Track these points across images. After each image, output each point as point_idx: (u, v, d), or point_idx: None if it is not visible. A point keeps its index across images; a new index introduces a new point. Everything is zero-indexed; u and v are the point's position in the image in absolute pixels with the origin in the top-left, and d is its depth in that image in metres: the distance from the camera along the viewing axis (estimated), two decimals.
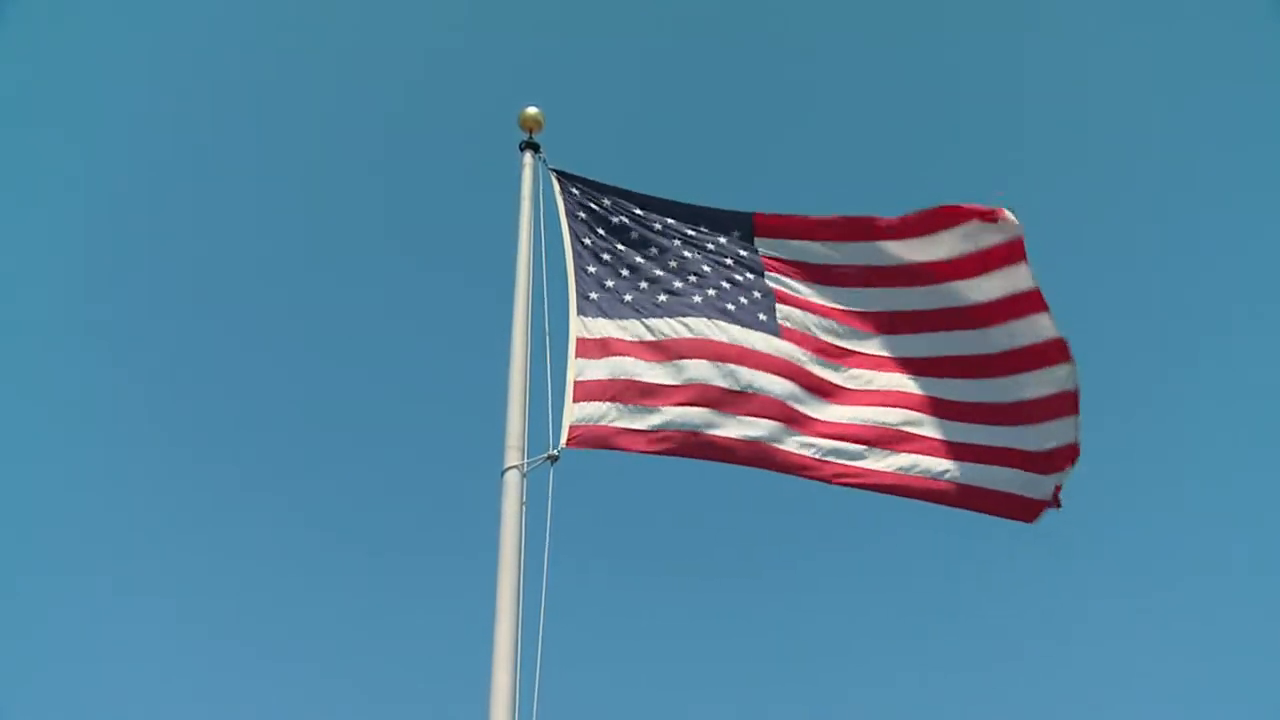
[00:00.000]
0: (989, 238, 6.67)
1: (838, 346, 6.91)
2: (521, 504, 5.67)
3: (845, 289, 7.00)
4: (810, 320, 6.92)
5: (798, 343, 6.82)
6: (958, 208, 6.74)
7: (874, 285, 6.98)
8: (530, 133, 7.45)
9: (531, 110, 7.50)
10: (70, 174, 18.61)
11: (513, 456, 5.80)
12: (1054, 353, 6.66)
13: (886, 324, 6.95)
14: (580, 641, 15.28)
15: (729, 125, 22.36)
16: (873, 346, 6.93)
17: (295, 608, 17.66)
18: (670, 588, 18.89)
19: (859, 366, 6.87)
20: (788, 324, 6.90)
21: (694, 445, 6.33)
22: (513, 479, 5.72)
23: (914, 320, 6.95)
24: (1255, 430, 18.06)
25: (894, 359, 6.90)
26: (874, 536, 19.18)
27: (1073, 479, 6.69)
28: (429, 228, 21.36)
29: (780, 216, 7.09)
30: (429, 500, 19.07)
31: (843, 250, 7.01)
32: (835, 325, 6.93)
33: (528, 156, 7.32)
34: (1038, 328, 6.68)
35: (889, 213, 6.97)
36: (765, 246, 7.10)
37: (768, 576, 18.47)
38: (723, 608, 18.24)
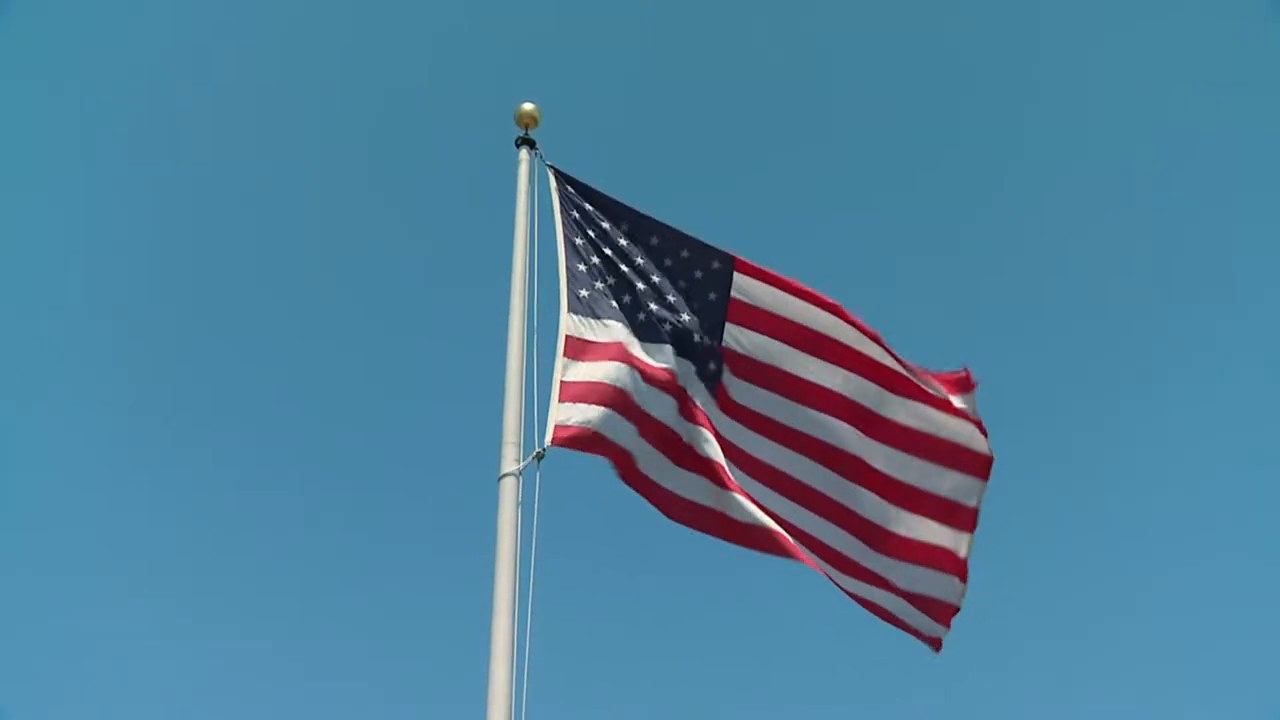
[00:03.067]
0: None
1: (769, 420, 6.83)
2: (517, 506, 5.62)
3: (789, 401, 6.87)
4: (751, 392, 6.85)
5: (724, 410, 6.77)
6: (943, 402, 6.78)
7: (821, 409, 6.85)
8: (526, 129, 7.38)
9: (528, 106, 7.43)
10: (71, 171, 18.67)
11: (509, 458, 5.77)
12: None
13: (830, 404, 6.83)
14: (577, 640, 15.29)
15: (725, 123, 22.34)
16: (804, 423, 6.84)
17: (293, 608, 17.70)
18: (667, 586, 18.89)
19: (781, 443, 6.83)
20: (727, 389, 6.82)
21: (649, 487, 6.40)
22: (509, 482, 5.68)
23: (855, 411, 6.84)
24: (1254, 429, 18.05)
25: (820, 441, 6.84)
26: None
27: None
28: (425, 226, 21.34)
29: (762, 271, 6.93)
30: (426, 500, 19.08)
31: (802, 359, 6.88)
32: (776, 399, 6.85)
33: (524, 153, 7.26)
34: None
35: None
36: (739, 292, 6.90)
37: (767, 573, 18.47)
38: (721, 605, 18.26)
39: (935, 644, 6.89)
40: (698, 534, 6.59)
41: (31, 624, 15.31)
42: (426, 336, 20.90)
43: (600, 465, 6.20)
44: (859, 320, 6.86)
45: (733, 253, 6.95)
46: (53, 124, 18.29)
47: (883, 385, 6.80)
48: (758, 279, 6.89)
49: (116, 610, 16.42)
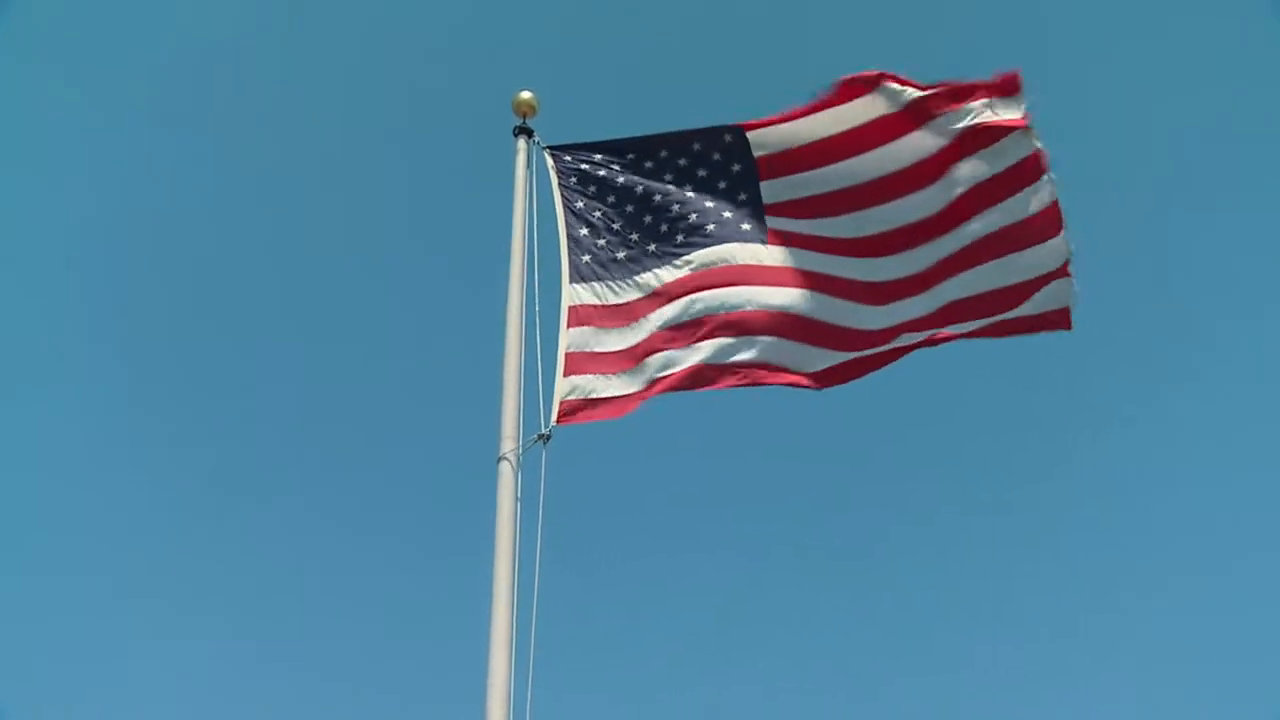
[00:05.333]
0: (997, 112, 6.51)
1: (834, 239, 6.72)
2: (516, 493, 5.57)
3: (842, 216, 6.78)
4: (802, 225, 6.76)
5: (786, 244, 6.72)
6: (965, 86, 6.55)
7: (873, 203, 6.73)
8: (524, 118, 7.34)
9: (525, 95, 7.38)
10: (72, 167, 18.63)
11: (506, 444, 5.71)
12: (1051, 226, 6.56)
13: (884, 244, 6.73)
14: (578, 629, 15.24)
15: (726, 113, 22.25)
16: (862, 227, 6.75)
17: (288, 601, 17.64)
18: (670, 572, 18.81)
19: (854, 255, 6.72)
20: (775, 227, 6.79)
21: (663, 384, 6.28)
22: (506, 467, 5.62)
23: (914, 233, 6.72)
24: (1256, 428, 17.98)
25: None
26: (883, 531, 19.17)
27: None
28: (423, 216, 21.25)
29: (770, 120, 6.88)
30: (423, 488, 19.00)
31: (838, 171, 6.77)
32: (829, 221, 6.76)
33: (521, 142, 7.22)
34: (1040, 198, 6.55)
35: None
36: (760, 149, 6.90)
37: (769, 561, 18.44)
38: (724, 593, 18.20)
39: (1064, 320, 6.63)
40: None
41: (31, 624, 15.28)
42: (428, 328, 20.84)
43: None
44: (871, 75, 6.67)
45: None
46: (53, 122, 18.29)
47: (936, 177, 6.63)
48: (769, 126, 6.88)
49: (114, 610, 16.39)
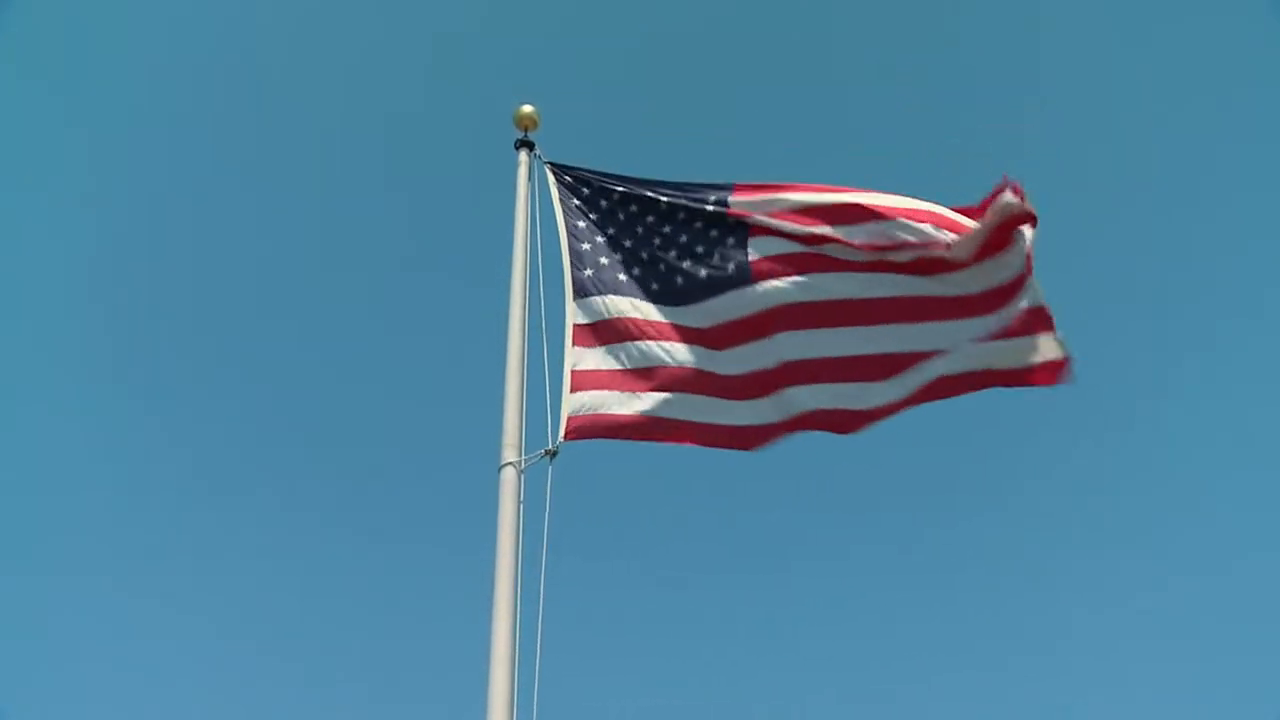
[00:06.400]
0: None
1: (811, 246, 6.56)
2: (519, 501, 5.65)
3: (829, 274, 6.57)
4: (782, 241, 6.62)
5: (772, 275, 6.58)
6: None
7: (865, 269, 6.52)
8: (525, 131, 7.42)
9: (527, 108, 7.47)
10: (71, 174, 18.69)
11: (509, 454, 5.79)
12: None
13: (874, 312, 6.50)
14: (580, 640, 15.31)
15: (727, 122, 22.35)
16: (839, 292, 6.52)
17: (292, 606, 17.71)
18: (670, 584, 18.90)
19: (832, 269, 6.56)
20: (759, 256, 6.64)
21: (684, 432, 6.29)
22: (509, 476, 5.70)
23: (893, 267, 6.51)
24: (1256, 429, 18.06)
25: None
26: (876, 535, 19.25)
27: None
28: (426, 228, 21.35)
29: (758, 186, 6.85)
30: (427, 498, 19.08)
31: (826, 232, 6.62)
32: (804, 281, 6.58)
33: (523, 155, 7.31)
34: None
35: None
36: (740, 208, 6.79)
37: (769, 573, 18.51)
38: (723, 604, 18.29)
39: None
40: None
41: (31, 624, 15.34)
42: (432, 340, 20.92)
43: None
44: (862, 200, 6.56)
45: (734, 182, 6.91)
46: (55, 123, 18.35)
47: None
48: (755, 193, 6.81)
49: (115, 611, 16.45)
